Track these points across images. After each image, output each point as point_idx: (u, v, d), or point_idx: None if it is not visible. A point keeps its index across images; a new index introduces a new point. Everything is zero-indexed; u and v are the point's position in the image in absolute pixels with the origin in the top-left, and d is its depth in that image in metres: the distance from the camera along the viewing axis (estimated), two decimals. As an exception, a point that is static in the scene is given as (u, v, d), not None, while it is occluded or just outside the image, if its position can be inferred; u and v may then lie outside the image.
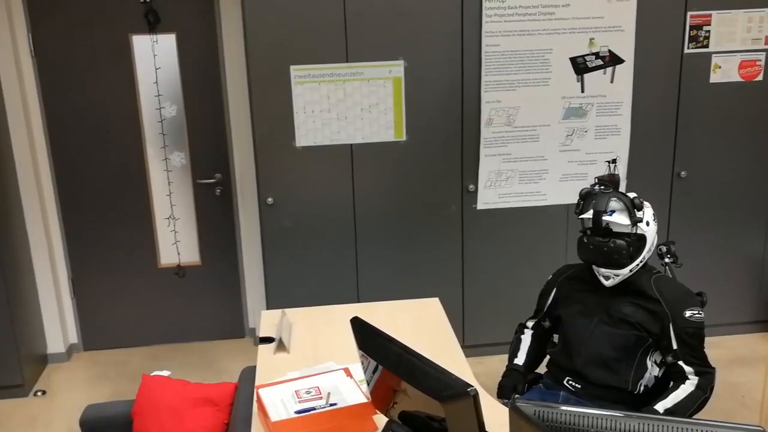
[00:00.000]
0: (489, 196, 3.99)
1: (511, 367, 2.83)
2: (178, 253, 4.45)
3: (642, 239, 2.56)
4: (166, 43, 4.16)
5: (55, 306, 4.32)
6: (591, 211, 2.57)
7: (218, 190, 4.37)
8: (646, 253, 2.59)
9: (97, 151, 4.24)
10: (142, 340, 4.56)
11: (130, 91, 4.20)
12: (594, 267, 2.64)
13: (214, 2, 4.07)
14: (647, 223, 2.57)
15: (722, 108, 4.04)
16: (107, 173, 4.28)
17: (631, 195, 2.59)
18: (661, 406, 2.49)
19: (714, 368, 2.59)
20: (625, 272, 2.58)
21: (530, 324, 2.92)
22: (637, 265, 2.58)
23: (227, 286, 4.56)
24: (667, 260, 2.77)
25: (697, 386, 2.52)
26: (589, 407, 1.54)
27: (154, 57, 4.17)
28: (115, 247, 4.38)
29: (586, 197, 2.64)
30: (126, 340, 4.54)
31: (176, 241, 4.43)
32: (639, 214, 2.54)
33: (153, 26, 4.08)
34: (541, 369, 2.91)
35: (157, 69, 4.19)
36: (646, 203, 2.61)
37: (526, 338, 2.89)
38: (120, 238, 4.36)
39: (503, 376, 2.81)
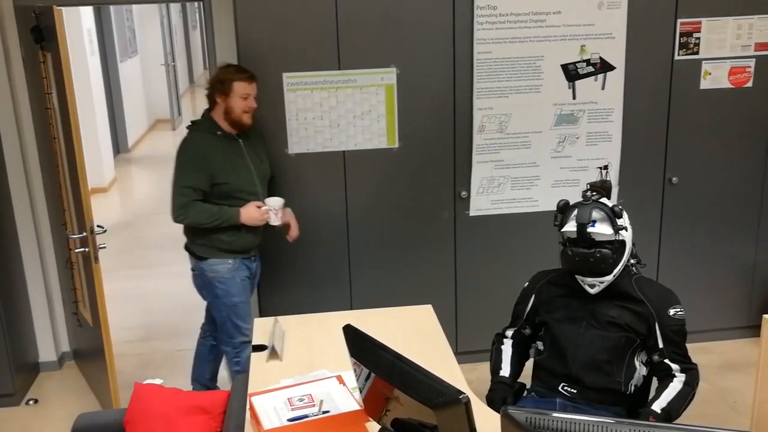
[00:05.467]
0: (481, 203, 4.00)
1: (497, 380, 2.82)
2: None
3: (623, 244, 2.61)
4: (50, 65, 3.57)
5: (47, 314, 4.30)
6: (574, 223, 2.60)
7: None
8: (626, 257, 2.64)
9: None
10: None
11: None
12: (578, 276, 2.66)
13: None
14: (626, 229, 2.62)
15: (712, 114, 4.06)
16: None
17: (609, 203, 2.63)
18: (657, 406, 2.54)
19: (696, 364, 2.65)
20: (609, 278, 2.63)
21: (509, 333, 2.91)
22: (620, 269, 2.63)
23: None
24: (632, 261, 2.82)
25: (686, 383, 2.59)
26: (581, 414, 1.55)
27: (44, 80, 3.67)
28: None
29: (565, 209, 2.67)
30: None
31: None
32: (620, 221, 2.58)
33: (40, 44, 3.58)
34: (523, 378, 2.90)
35: (47, 94, 3.69)
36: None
37: (507, 348, 2.89)
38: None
39: (490, 390, 2.80)
